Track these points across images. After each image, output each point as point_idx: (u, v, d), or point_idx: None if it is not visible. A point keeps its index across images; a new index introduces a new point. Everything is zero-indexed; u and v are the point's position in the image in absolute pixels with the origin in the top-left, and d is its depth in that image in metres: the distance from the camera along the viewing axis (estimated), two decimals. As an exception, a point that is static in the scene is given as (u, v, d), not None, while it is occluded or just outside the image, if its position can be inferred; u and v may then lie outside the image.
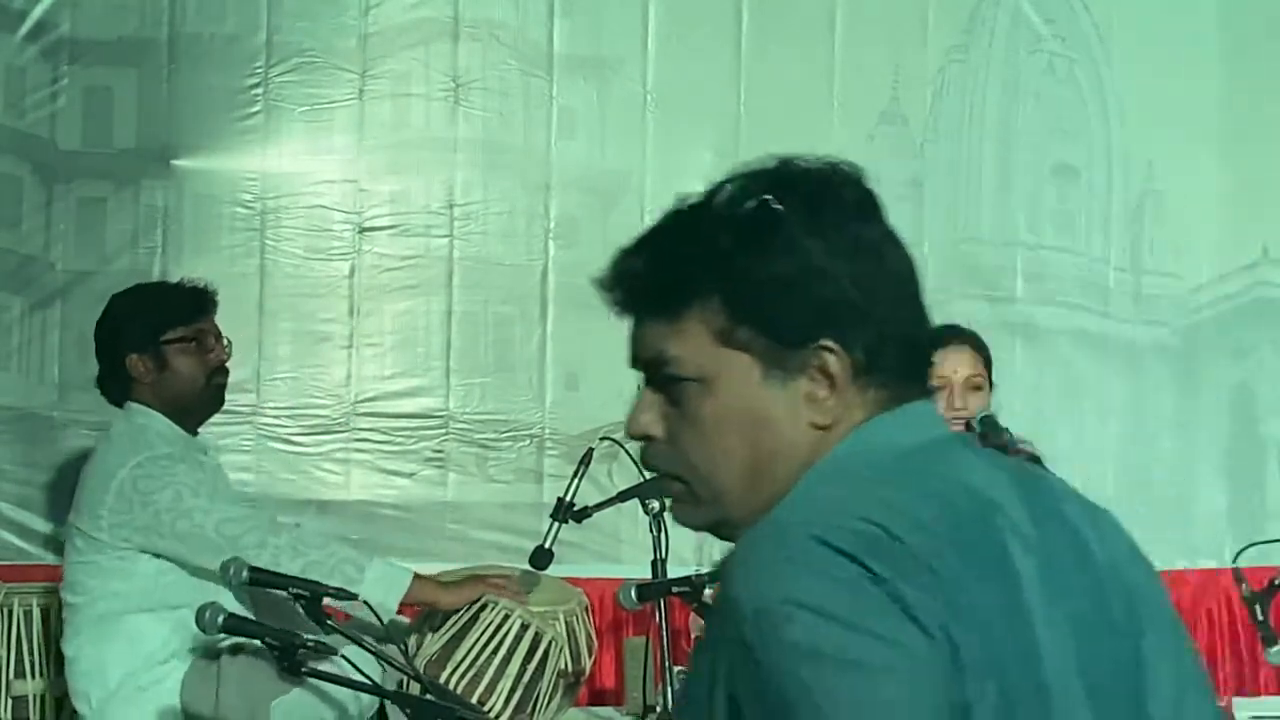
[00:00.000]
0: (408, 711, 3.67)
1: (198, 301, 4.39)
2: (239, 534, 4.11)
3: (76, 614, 4.28)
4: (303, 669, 3.63)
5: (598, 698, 5.33)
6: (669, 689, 4.08)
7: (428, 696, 3.83)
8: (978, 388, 5.05)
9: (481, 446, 5.49)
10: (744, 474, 1.68)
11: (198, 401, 4.38)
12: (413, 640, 4.28)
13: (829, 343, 1.65)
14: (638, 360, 1.71)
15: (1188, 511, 6.00)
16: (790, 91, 5.67)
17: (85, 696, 4.28)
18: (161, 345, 4.34)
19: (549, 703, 4.38)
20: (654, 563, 4.13)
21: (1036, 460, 4.99)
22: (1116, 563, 1.69)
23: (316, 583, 3.82)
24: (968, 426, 5.00)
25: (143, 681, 4.21)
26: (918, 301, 1.71)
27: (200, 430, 4.44)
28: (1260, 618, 4.15)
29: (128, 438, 4.29)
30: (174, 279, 4.63)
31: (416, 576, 4.21)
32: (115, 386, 4.38)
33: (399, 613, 4.29)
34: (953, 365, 5.04)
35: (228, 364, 4.42)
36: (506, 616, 4.38)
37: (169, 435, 4.31)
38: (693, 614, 4.23)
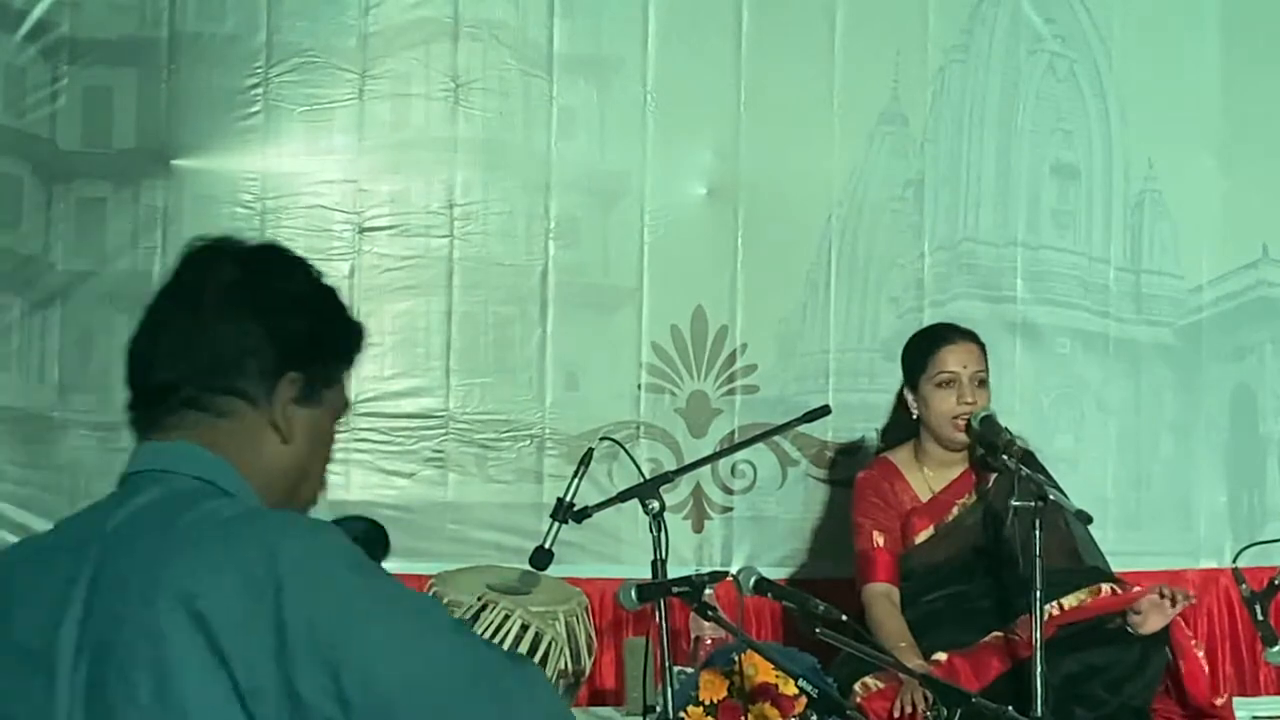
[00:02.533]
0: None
1: None
2: None
3: None
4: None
5: (598, 698, 5.33)
6: (669, 689, 4.08)
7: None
8: (984, 383, 5.06)
9: (481, 446, 5.49)
10: None
11: None
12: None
13: None
14: None
15: (1188, 511, 6.00)
16: (790, 91, 5.66)
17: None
18: None
19: (549, 703, 4.37)
20: (654, 563, 4.13)
21: (1032, 458, 4.99)
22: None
23: None
24: (968, 425, 5.00)
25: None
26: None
27: None
28: (1260, 618, 4.15)
29: None
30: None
31: None
32: None
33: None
34: (960, 361, 5.04)
35: None
36: (507, 616, 4.39)
37: None
38: (693, 614, 4.23)
